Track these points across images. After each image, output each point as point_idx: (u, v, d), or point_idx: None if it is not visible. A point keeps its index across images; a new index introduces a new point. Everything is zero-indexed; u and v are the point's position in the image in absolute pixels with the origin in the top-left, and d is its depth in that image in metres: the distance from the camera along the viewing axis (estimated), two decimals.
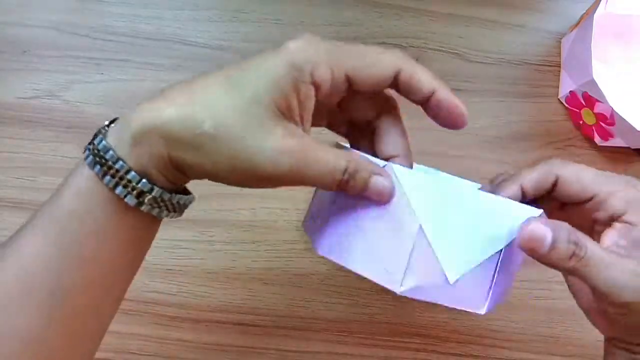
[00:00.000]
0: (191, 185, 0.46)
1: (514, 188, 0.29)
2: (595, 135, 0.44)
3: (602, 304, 0.26)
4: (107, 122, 0.25)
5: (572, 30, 0.45)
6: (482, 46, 0.46)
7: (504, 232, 0.26)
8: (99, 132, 0.25)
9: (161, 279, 0.42)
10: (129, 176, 0.23)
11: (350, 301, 0.43)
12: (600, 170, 0.29)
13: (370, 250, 0.26)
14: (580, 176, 0.29)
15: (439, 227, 0.26)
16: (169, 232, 0.43)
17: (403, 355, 0.42)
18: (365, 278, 0.28)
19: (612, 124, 0.41)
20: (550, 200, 0.29)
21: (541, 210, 0.26)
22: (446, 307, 0.26)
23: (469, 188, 0.27)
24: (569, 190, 0.28)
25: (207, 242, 0.43)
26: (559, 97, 0.45)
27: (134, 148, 0.23)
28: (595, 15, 0.41)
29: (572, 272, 0.24)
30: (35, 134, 0.43)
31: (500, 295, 0.27)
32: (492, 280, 0.26)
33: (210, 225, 0.43)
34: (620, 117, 0.40)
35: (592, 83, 0.40)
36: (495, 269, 0.26)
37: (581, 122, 0.44)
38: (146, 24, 0.45)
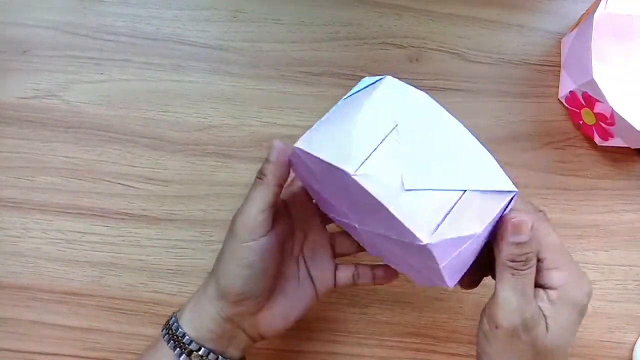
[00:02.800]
0: (191, 184, 0.46)
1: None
2: (595, 135, 0.44)
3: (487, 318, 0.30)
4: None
5: (572, 30, 0.45)
6: (482, 46, 0.46)
7: (474, 180, 0.26)
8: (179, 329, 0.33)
9: (161, 279, 0.42)
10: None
11: (350, 301, 0.43)
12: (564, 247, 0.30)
13: (338, 136, 0.27)
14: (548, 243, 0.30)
15: (414, 138, 0.26)
16: (169, 232, 0.43)
17: (403, 355, 0.42)
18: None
19: (612, 124, 0.41)
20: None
21: (516, 191, 0.27)
22: (389, 216, 0.25)
23: (460, 127, 0.27)
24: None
25: (207, 242, 0.43)
26: (559, 97, 0.45)
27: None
28: (595, 15, 0.41)
29: (498, 267, 0.28)
30: (35, 134, 0.43)
31: (452, 257, 0.26)
32: (445, 215, 0.25)
33: (210, 225, 0.43)
34: (620, 117, 0.40)
35: (592, 83, 0.40)
36: (452, 207, 0.26)
37: (581, 122, 0.44)
38: (146, 24, 0.45)
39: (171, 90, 0.44)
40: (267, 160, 0.31)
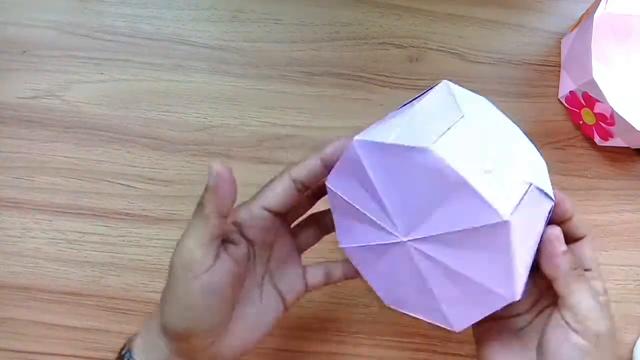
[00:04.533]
0: (191, 184, 0.46)
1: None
2: (595, 135, 0.44)
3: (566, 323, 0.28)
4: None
5: (572, 30, 0.45)
6: (482, 46, 0.46)
7: (536, 178, 0.27)
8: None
9: (161, 279, 0.42)
10: None
11: (350, 301, 0.43)
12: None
13: (402, 125, 0.27)
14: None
15: (480, 128, 0.27)
16: (168, 232, 0.43)
17: (403, 355, 0.42)
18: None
19: (612, 124, 0.41)
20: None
21: (554, 201, 0.28)
22: (464, 197, 0.25)
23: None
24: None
25: None
26: (559, 97, 0.45)
27: None
28: (595, 15, 0.41)
29: (564, 280, 0.28)
30: (34, 134, 0.43)
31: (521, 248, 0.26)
32: (520, 201, 0.25)
33: None
34: (620, 117, 0.40)
35: (592, 83, 0.40)
36: (523, 196, 0.26)
37: (581, 122, 0.44)
38: (146, 24, 0.45)
39: (171, 90, 0.44)
40: (206, 188, 0.28)
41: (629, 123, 0.40)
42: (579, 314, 0.28)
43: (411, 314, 0.32)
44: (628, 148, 0.44)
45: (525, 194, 0.25)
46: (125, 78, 0.44)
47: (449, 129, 0.26)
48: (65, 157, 0.43)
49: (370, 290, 0.43)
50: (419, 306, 0.31)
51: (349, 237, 0.32)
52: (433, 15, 0.46)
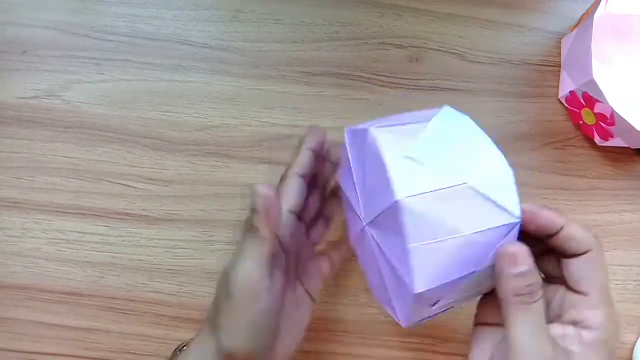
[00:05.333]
0: (191, 184, 0.46)
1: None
2: (595, 135, 0.44)
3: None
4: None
5: (572, 30, 0.45)
6: (482, 46, 0.46)
7: (480, 182, 0.26)
8: None
9: (161, 279, 0.42)
10: None
11: (350, 301, 0.43)
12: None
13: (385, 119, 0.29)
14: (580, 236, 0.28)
15: (440, 133, 0.27)
16: (169, 232, 0.43)
17: (403, 355, 0.42)
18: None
19: (612, 124, 0.41)
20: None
21: (518, 221, 0.26)
22: (385, 178, 0.25)
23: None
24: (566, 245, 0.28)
25: (207, 242, 0.43)
26: (559, 97, 0.45)
27: None
28: (595, 15, 0.41)
29: (505, 305, 0.26)
30: (34, 134, 0.43)
31: (428, 243, 0.25)
32: (433, 191, 0.25)
33: (210, 225, 0.43)
34: (620, 117, 0.40)
35: (592, 83, 0.40)
36: (442, 189, 0.25)
37: (581, 122, 0.44)
38: (146, 24, 0.45)
39: (171, 90, 0.44)
40: (254, 211, 0.28)
41: (629, 123, 0.40)
42: (508, 346, 0.25)
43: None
44: (628, 148, 0.44)
45: (445, 189, 0.25)
46: (125, 78, 0.44)
47: (404, 124, 0.27)
48: (65, 157, 0.43)
49: (370, 290, 0.43)
50: (382, 296, 0.31)
51: (349, 227, 0.33)
52: (433, 15, 0.46)
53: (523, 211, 0.27)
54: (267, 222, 0.28)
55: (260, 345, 0.29)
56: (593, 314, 0.26)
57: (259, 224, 0.28)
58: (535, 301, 0.25)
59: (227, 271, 0.30)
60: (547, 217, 0.27)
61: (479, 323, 0.31)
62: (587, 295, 0.27)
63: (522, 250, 0.26)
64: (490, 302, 0.30)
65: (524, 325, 0.25)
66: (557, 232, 0.27)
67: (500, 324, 0.28)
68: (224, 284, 0.30)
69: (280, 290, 0.30)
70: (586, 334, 0.26)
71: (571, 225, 0.27)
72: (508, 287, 0.25)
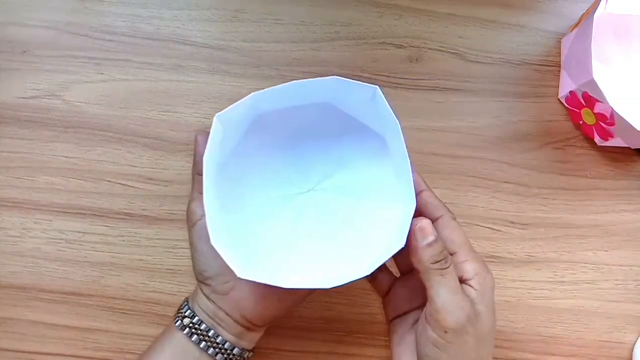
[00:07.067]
0: (191, 184, 0.45)
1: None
2: (595, 135, 0.44)
3: (428, 323, 0.30)
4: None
5: (572, 30, 0.45)
6: (482, 46, 0.46)
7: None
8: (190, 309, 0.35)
9: (161, 279, 0.42)
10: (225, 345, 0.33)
11: (350, 301, 0.43)
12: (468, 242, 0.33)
13: None
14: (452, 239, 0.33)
15: None
16: (169, 232, 0.43)
17: None
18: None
19: (612, 124, 0.41)
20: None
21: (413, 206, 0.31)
22: None
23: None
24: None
25: None
26: (559, 97, 0.45)
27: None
28: (595, 15, 0.41)
29: (425, 274, 0.30)
30: (34, 134, 0.43)
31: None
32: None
33: None
34: (620, 117, 0.40)
35: (592, 83, 0.40)
36: None
37: (581, 122, 0.44)
38: (146, 24, 0.45)
39: (171, 90, 0.44)
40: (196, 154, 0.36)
41: (629, 123, 0.40)
42: (433, 307, 0.29)
43: None
44: (628, 148, 0.44)
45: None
46: (125, 78, 0.44)
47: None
48: (65, 157, 0.43)
49: (370, 290, 0.43)
50: None
51: None
52: (433, 15, 0.46)
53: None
54: (195, 159, 0.36)
55: (207, 268, 0.33)
56: (466, 267, 0.31)
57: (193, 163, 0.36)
58: (449, 265, 0.30)
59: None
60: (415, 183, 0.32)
61: (390, 319, 0.35)
62: (455, 254, 0.31)
63: (428, 223, 0.30)
64: (392, 299, 0.35)
65: (444, 287, 0.29)
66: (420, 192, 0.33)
67: (408, 311, 0.34)
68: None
69: None
70: (472, 283, 0.31)
71: (424, 193, 0.33)
72: (425, 257, 0.29)
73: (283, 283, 0.29)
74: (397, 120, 0.31)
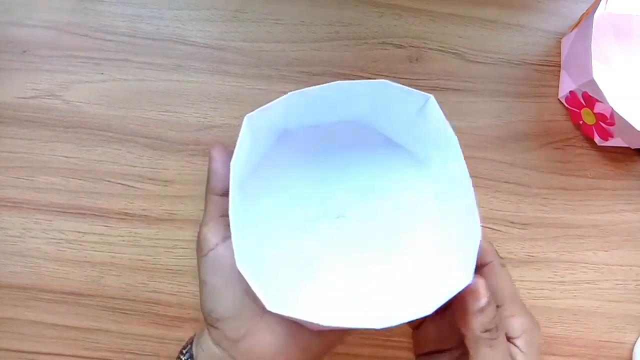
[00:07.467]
0: (191, 184, 0.46)
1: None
2: (595, 135, 0.44)
3: None
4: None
5: (572, 30, 0.45)
6: (482, 46, 0.46)
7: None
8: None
9: (161, 279, 0.42)
10: None
11: None
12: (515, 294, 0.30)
13: None
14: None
15: None
16: (169, 232, 0.43)
17: (403, 355, 0.42)
18: None
19: (612, 124, 0.41)
20: None
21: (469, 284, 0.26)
22: None
23: None
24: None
25: None
26: (559, 97, 0.45)
27: None
28: (595, 15, 0.41)
29: (472, 341, 0.26)
30: (34, 134, 0.43)
31: None
32: None
33: None
34: (620, 117, 0.40)
35: (592, 83, 0.40)
36: None
37: (581, 122, 0.44)
38: (146, 24, 0.45)
39: (171, 90, 0.44)
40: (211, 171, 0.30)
41: (629, 123, 0.40)
42: None
43: None
44: (628, 148, 0.44)
45: None
46: (125, 78, 0.44)
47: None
48: (65, 157, 0.43)
49: None
50: None
51: None
52: (433, 15, 0.46)
53: None
54: (211, 179, 0.29)
55: (218, 308, 0.27)
56: (513, 322, 0.28)
57: (211, 185, 0.29)
58: (501, 334, 0.26)
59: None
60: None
61: (420, 354, 0.32)
62: (501, 307, 0.28)
63: (483, 283, 0.26)
64: (422, 335, 0.31)
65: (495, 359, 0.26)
66: None
67: (435, 352, 0.30)
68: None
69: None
70: (519, 343, 0.28)
71: None
72: (476, 325, 0.26)
73: (324, 321, 0.23)
74: (455, 137, 0.28)
